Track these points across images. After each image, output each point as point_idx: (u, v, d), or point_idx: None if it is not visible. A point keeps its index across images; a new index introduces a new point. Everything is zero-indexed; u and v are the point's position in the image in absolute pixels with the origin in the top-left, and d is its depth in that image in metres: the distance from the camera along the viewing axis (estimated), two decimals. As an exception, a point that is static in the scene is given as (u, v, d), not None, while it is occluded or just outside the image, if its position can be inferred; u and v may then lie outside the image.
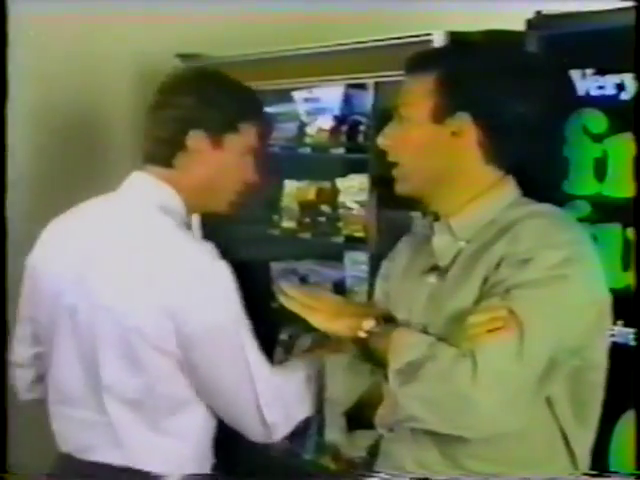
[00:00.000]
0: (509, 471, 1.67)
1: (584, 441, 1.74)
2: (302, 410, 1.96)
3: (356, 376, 1.83)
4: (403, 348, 1.67)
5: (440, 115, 1.73)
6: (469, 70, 1.73)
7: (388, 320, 1.80)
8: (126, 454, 1.93)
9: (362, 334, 1.76)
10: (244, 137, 1.99)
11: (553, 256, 1.61)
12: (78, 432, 1.99)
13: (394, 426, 1.73)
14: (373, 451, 1.85)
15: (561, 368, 1.63)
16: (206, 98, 1.97)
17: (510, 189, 1.79)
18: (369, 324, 1.76)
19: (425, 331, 1.72)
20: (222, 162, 1.98)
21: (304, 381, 1.97)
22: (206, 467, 1.99)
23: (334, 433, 1.86)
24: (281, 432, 1.95)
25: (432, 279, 1.77)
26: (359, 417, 1.82)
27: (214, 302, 1.87)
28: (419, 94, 1.75)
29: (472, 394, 1.56)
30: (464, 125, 1.72)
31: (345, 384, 1.84)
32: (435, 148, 1.74)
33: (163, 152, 1.97)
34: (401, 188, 1.81)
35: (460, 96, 1.72)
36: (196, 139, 1.95)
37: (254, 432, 1.94)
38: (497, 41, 2.15)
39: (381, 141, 1.82)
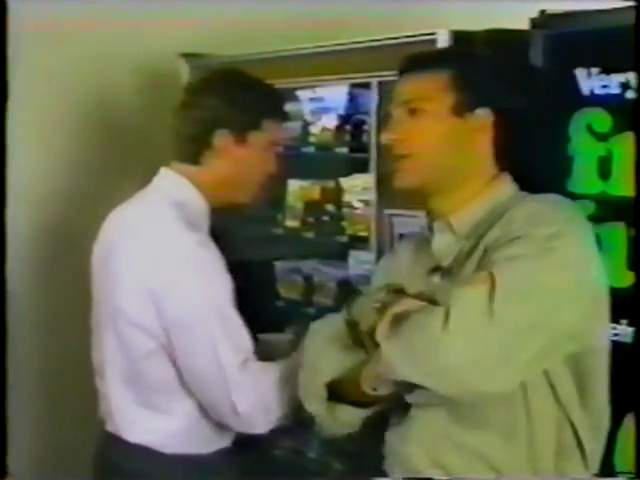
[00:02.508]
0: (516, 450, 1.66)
1: (593, 435, 1.72)
2: (281, 405, 2.01)
3: (340, 348, 1.81)
4: (398, 305, 1.66)
5: (460, 110, 1.74)
6: (482, 68, 1.76)
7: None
8: (112, 422, 2.11)
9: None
10: (267, 133, 2.11)
11: (541, 232, 1.60)
12: (101, 404, 2.16)
13: (377, 386, 1.70)
14: (356, 431, 1.83)
15: (556, 351, 1.61)
16: (230, 99, 2.07)
17: (508, 184, 1.79)
18: (381, 297, 1.73)
19: None
20: (246, 158, 2.09)
21: (286, 377, 2.01)
22: (201, 445, 2.06)
23: (314, 403, 1.81)
24: (260, 424, 2.00)
25: (436, 279, 1.77)
26: (344, 395, 1.78)
27: (189, 290, 1.97)
28: (436, 89, 1.74)
29: (441, 338, 1.54)
30: (486, 121, 1.74)
31: (327, 353, 1.82)
32: (454, 141, 1.75)
33: (190, 150, 2.09)
34: (405, 180, 1.78)
35: (478, 92, 1.73)
36: (222, 138, 2.06)
37: (229, 421, 2.01)
38: (501, 40, 2.15)
39: (388, 136, 1.80)
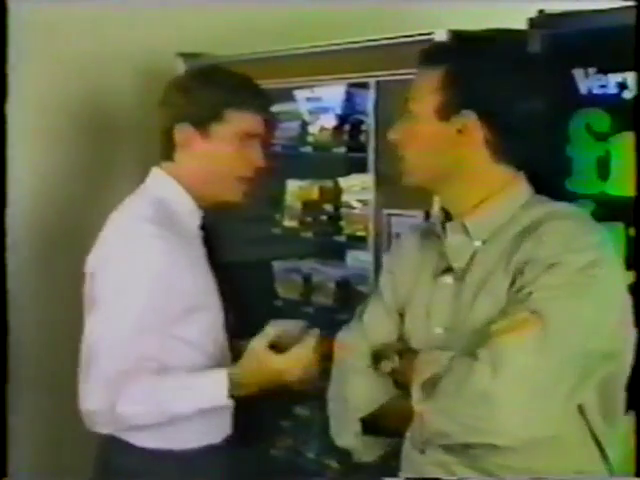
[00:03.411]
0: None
1: (615, 445, 1.71)
2: (139, 417, 1.96)
3: (372, 383, 1.81)
4: (423, 366, 1.65)
5: (445, 112, 1.70)
6: (475, 67, 1.71)
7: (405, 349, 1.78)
8: None
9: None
10: (233, 124, 2.07)
11: (579, 260, 1.59)
12: None
13: (426, 446, 1.70)
14: (386, 459, 1.84)
15: (596, 374, 1.61)
16: (188, 92, 2.08)
17: (524, 187, 1.76)
18: (388, 365, 1.76)
19: (446, 336, 1.71)
20: (212, 151, 2.07)
21: (163, 392, 1.97)
22: (181, 441, 2.02)
23: (348, 438, 1.83)
24: (103, 426, 1.97)
25: (448, 280, 1.74)
26: (375, 425, 1.80)
27: (117, 274, 1.96)
28: (426, 89, 1.72)
29: (493, 391, 1.53)
30: (470, 123, 1.69)
31: (359, 388, 1.81)
32: (439, 145, 1.72)
33: (164, 147, 2.10)
34: (405, 181, 1.79)
35: (466, 94, 1.69)
36: (183, 132, 2.06)
37: (81, 408, 1.96)
38: (500, 39, 2.15)
39: (391, 135, 1.79)
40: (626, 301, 1.68)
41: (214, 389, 1.95)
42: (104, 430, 1.99)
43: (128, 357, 1.93)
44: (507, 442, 1.57)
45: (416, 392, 1.62)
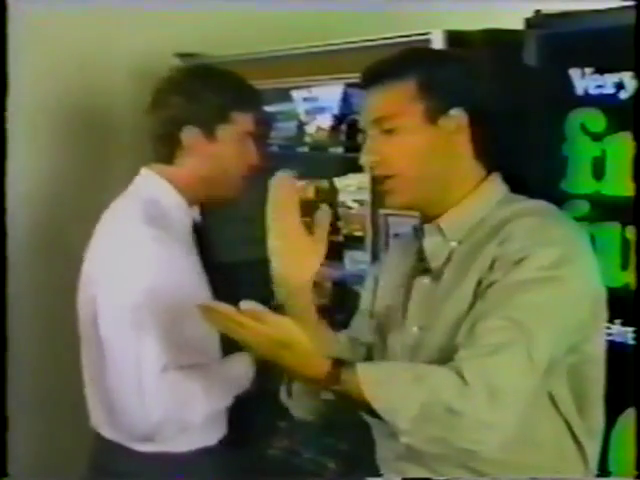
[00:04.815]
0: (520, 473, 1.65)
1: (592, 438, 1.72)
2: (196, 412, 1.95)
3: None
4: (395, 403, 1.53)
5: (433, 116, 1.70)
6: (447, 67, 1.73)
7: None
8: (93, 418, 2.09)
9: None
10: (237, 125, 2.07)
11: (548, 254, 1.59)
12: None
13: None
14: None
15: (559, 366, 1.62)
16: (193, 95, 2.05)
17: (498, 186, 1.77)
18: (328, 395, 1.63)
19: (421, 335, 1.71)
20: (218, 153, 2.06)
21: (209, 381, 1.97)
22: (176, 444, 2.00)
23: (283, 394, 1.83)
24: (172, 437, 1.96)
25: (425, 280, 1.76)
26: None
27: (124, 282, 1.93)
28: (403, 101, 1.70)
29: (492, 420, 1.52)
30: (460, 120, 1.71)
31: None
32: (434, 150, 1.71)
33: (163, 150, 2.07)
34: (397, 200, 1.75)
35: (447, 93, 1.70)
36: (190, 135, 2.04)
37: (135, 428, 1.93)
38: (496, 40, 2.16)
39: (367, 158, 1.75)
40: (598, 294, 1.68)
41: (248, 372, 2.03)
42: (164, 440, 1.95)
43: (168, 368, 1.91)
44: (492, 448, 1.57)
45: (404, 424, 1.53)
